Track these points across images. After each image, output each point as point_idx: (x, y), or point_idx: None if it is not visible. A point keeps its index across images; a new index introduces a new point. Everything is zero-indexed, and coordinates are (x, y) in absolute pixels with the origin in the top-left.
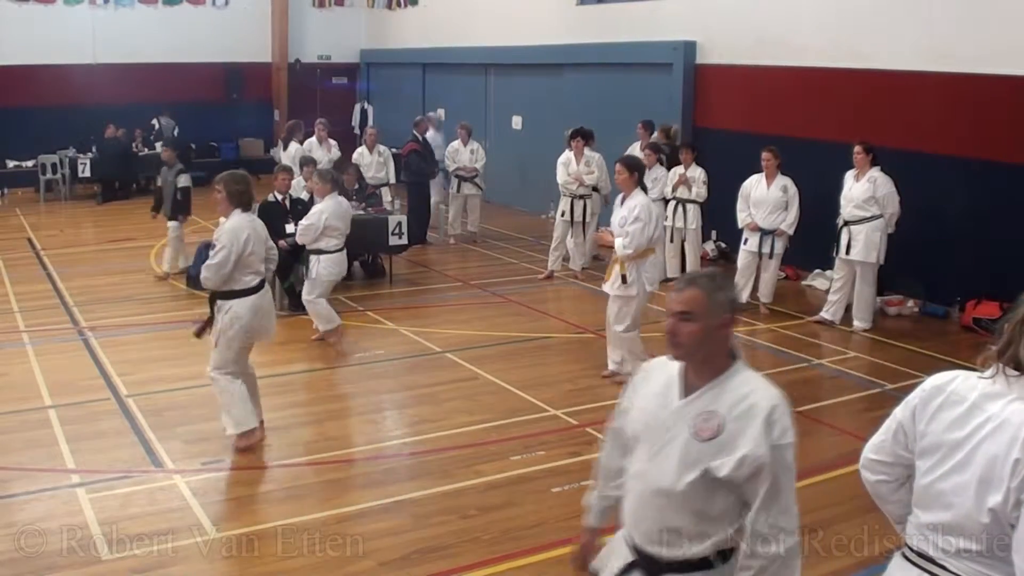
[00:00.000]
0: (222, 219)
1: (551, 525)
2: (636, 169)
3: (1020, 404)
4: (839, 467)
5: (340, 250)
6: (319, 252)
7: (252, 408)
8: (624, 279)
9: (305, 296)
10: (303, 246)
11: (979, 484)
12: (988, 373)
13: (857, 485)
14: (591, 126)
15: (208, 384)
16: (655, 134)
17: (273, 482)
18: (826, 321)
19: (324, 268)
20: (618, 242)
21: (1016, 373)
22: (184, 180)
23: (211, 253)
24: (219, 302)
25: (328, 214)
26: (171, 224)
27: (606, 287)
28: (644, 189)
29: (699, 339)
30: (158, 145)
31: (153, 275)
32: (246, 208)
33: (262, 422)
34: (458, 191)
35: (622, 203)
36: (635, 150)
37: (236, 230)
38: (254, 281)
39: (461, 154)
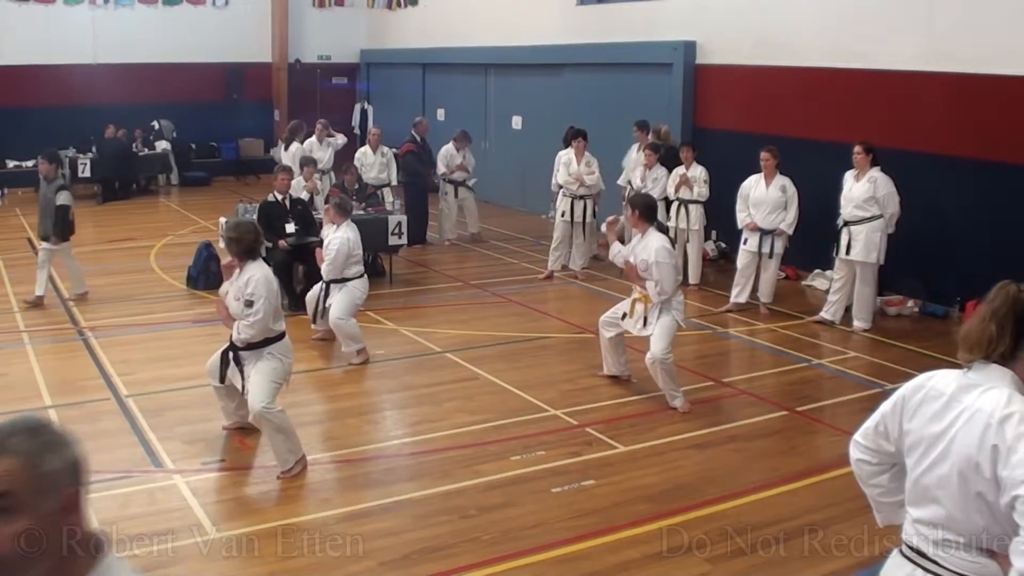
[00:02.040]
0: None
1: (551, 525)
2: (635, 206)
3: (992, 392)
4: (839, 467)
5: (362, 275)
6: (344, 280)
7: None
8: (646, 322)
9: (337, 317)
10: (302, 246)
11: (959, 475)
12: (966, 369)
13: (857, 485)
14: (591, 126)
15: (208, 384)
16: (649, 135)
17: (273, 482)
18: (826, 321)
19: (359, 289)
20: (651, 288)
21: (987, 362)
22: (64, 198)
23: (249, 311)
24: (251, 352)
25: (353, 240)
26: (44, 245)
27: (626, 324)
28: (663, 229)
29: (29, 547)
30: (158, 145)
31: (23, 300)
32: (252, 257)
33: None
34: (456, 196)
35: (641, 240)
36: (633, 151)
37: (269, 280)
38: (282, 326)
39: (455, 159)
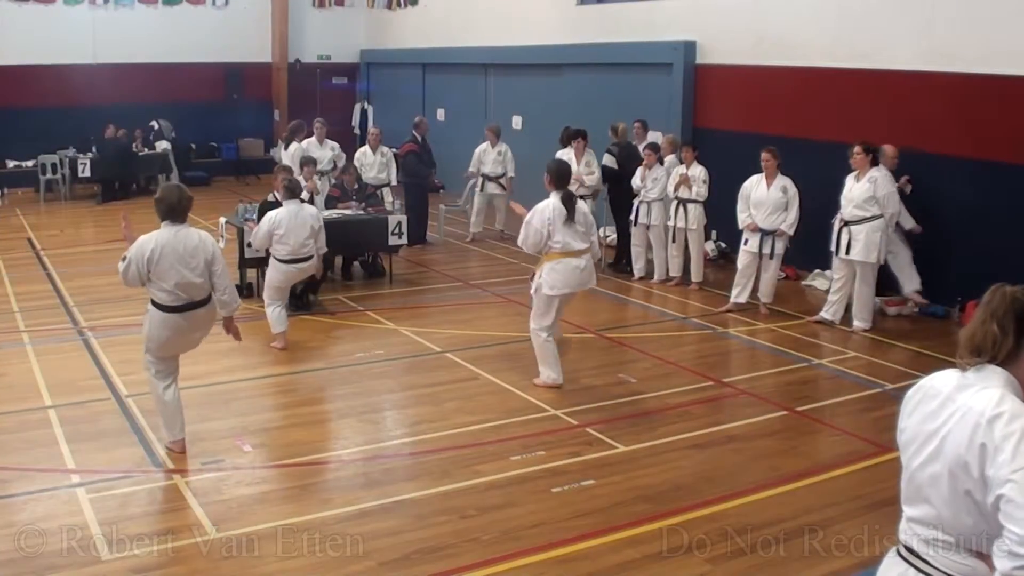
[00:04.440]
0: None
1: (551, 525)
2: (548, 171)
3: (985, 392)
4: (839, 467)
5: (285, 260)
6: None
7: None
8: (533, 276)
9: (264, 298)
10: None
11: (950, 473)
12: (964, 369)
13: (857, 485)
14: (591, 126)
15: (208, 384)
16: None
17: (273, 482)
18: (826, 321)
19: (275, 271)
20: None
21: (982, 362)
22: None
23: None
24: None
25: (278, 219)
26: None
27: None
28: (563, 195)
29: None
30: (158, 145)
31: None
32: (171, 220)
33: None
34: (482, 189)
35: None
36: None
37: (142, 243)
38: (163, 299)
39: (487, 155)
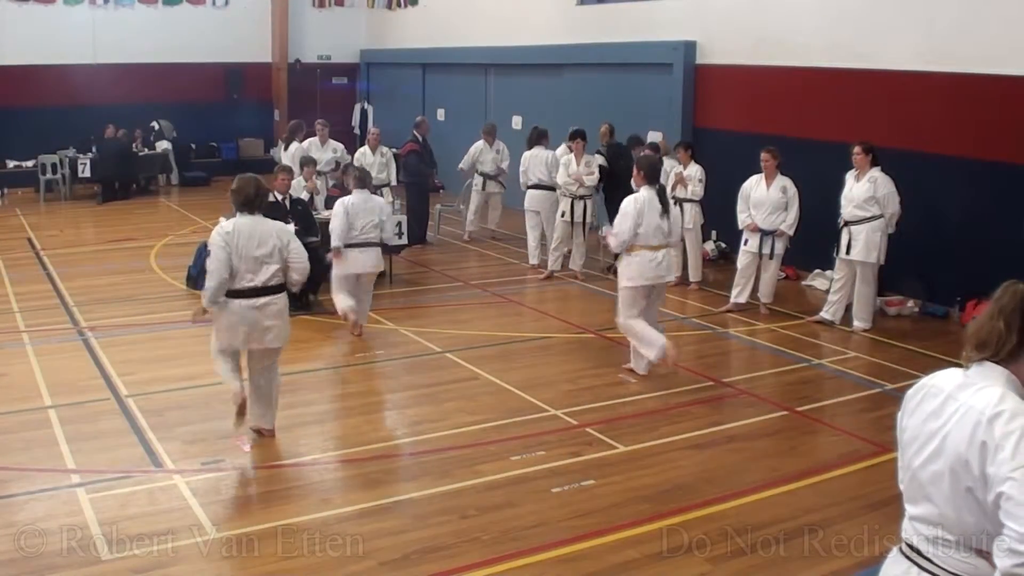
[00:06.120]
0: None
1: (551, 525)
2: (639, 166)
3: (986, 391)
4: (839, 467)
5: (348, 244)
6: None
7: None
8: (611, 270)
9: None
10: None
11: (951, 472)
12: (966, 368)
13: (857, 485)
14: (591, 126)
15: (208, 384)
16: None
17: (273, 482)
18: (826, 321)
19: (345, 259)
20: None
21: (982, 360)
22: None
23: None
24: None
25: (344, 207)
26: None
27: None
28: (657, 189)
29: None
30: (158, 145)
31: None
32: (247, 211)
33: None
34: (483, 188)
35: None
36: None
37: (221, 225)
38: (236, 283)
39: (486, 154)
